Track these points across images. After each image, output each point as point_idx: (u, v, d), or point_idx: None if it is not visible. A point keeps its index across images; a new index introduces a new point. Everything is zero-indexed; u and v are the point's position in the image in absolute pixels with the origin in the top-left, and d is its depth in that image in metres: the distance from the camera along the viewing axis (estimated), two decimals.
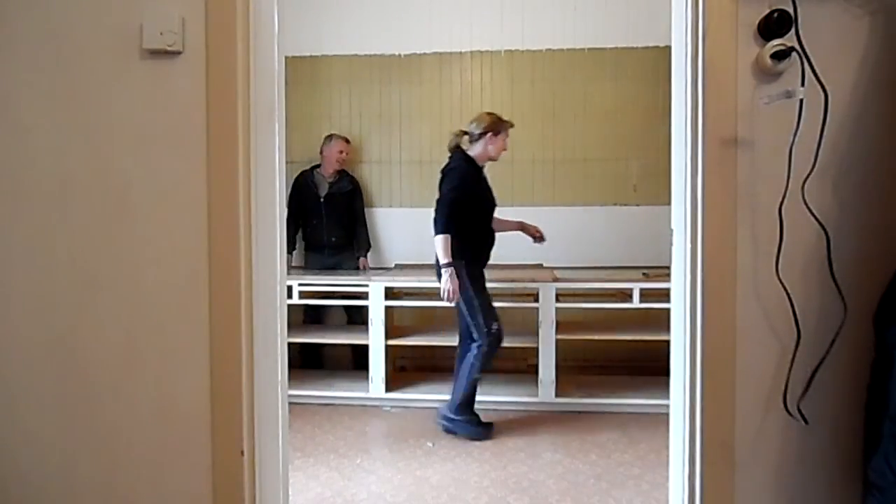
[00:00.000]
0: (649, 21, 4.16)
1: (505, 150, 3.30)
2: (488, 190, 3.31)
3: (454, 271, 3.09)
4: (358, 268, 4.20)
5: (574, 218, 4.27)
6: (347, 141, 4.24)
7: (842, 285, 1.51)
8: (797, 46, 1.47)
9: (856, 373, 1.53)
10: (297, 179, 4.18)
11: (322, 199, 4.14)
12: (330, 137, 4.19)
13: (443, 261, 3.08)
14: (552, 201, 4.33)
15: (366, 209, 4.43)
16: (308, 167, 4.23)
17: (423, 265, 4.28)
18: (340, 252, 4.21)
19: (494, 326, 3.16)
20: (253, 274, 1.63)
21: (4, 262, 1.64)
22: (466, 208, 3.15)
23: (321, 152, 4.20)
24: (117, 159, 1.61)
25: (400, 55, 4.41)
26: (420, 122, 4.42)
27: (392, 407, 3.65)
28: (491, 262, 4.40)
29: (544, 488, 2.61)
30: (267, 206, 1.66)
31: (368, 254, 4.29)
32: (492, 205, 3.31)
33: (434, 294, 3.94)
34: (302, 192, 4.16)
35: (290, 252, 4.16)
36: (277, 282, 1.68)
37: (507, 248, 4.33)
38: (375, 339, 3.61)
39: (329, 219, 4.16)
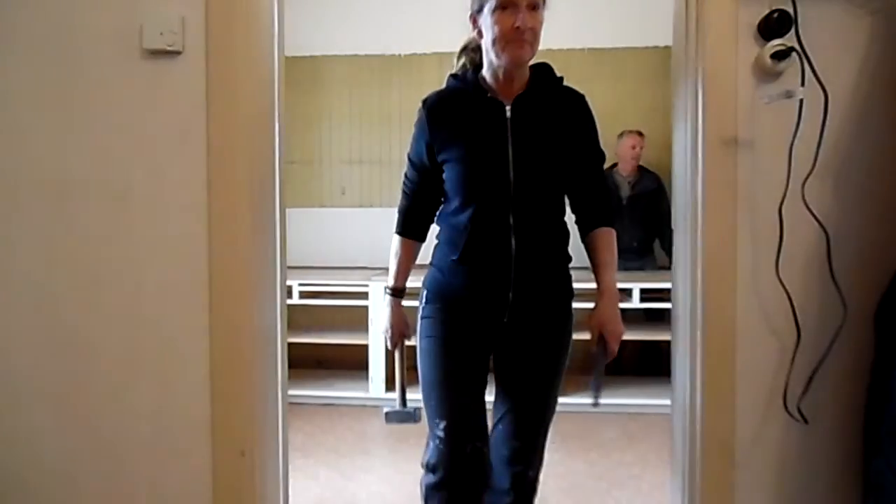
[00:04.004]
0: (649, 21, 4.16)
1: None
2: None
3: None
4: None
5: (573, 217, 4.26)
6: (640, 134, 3.91)
7: (842, 285, 1.51)
8: (797, 46, 1.47)
9: (856, 373, 1.53)
10: None
11: (624, 202, 3.83)
12: (622, 134, 3.92)
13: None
14: None
15: (365, 209, 4.42)
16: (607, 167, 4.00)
17: (423, 265, 4.28)
18: (643, 257, 3.93)
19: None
20: (253, 274, 1.63)
21: (5, 262, 1.64)
22: None
23: (616, 153, 3.90)
24: (117, 159, 1.61)
25: (400, 55, 4.40)
26: None
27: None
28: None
29: (544, 488, 2.59)
30: (267, 206, 1.66)
31: None
32: None
33: None
34: None
35: None
36: (277, 282, 1.68)
37: None
38: (375, 339, 3.61)
39: (632, 221, 3.79)
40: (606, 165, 3.88)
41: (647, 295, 3.48)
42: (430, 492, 1.56)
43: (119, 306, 1.63)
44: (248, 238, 1.61)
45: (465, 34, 1.76)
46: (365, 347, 3.65)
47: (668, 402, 1.76)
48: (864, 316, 1.51)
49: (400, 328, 1.76)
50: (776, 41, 1.50)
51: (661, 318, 3.55)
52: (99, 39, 1.59)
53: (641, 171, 3.97)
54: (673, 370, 1.73)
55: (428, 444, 1.60)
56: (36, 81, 1.62)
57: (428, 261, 1.75)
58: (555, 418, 1.71)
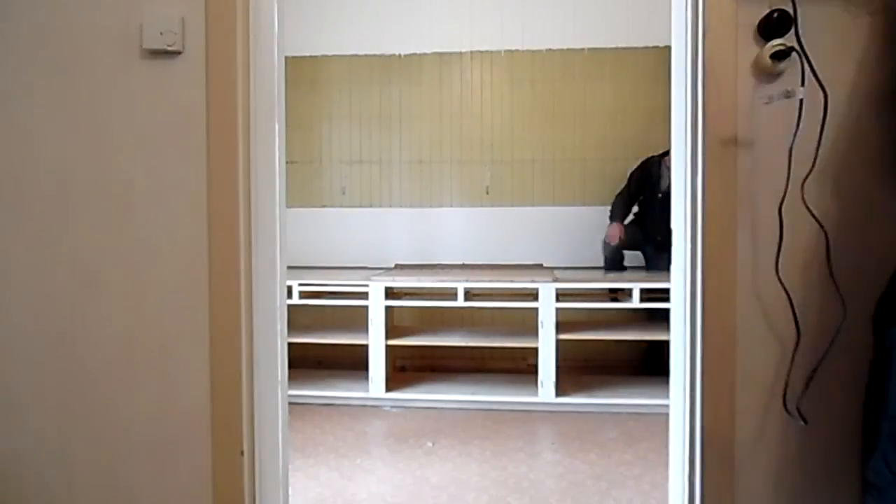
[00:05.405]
0: (649, 21, 4.17)
1: None
2: None
3: None
4: None
5: (574, 218, 4.27)
6: None
7: (841, 285, 1.52)
8: (797, 46, 1.47)
9: (855, 373, 1.53)
10: (643, 164, 3.89)
11: (660, 196, 3.73)
12: None
13: None
14: (552, 201, 4.33)
15: (365, 209, 4.42)
16: (659, 153, 3.85)
17: (423, 265, 4.29)
18: (664, 251, 3.85)
19: None
20: (253, 274, 1.63)
21: (5, 262, 1.65)
22: None
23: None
24: (117, 159, 1.61)
25: (400, 55, 4.41)
26: (420, 122, 4.42)
27: (392, 407, 3.65)
28: (491, 262, 4.43)
29: (544, 488, 2.61)
30: (267, 206, 1.66)
31: None
32: None
33: (434, 294, 3.96)
34: (642, 182, 3.87)
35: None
36: (277, 282, 1.68)
37: (506, 248, 4.35)
38: (375, 339, 3.61)
39: (662, 215, 3.60)
40: (651, 153, 3.93)
41: (647, 295, 3.49)
42: None
43: (119, 306, 1.63)
44: (248, 238, 1.61)
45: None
46: (365, 347, 3.64)
47: (668, 402, 1.76)
48: (864, 316, 1.51)
49: None
50: (776, 41, 1.50)
51: (661, 318, 3.55)
52: (99, 39, 1.60)
53: None
54: (672, 370, 1.73)
55: None
56: (36, 81, 1.62)
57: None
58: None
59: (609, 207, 3.99)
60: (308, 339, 3.77)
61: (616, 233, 3.87)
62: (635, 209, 4.01)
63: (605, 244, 3.94)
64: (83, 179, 1.62)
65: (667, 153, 3.79)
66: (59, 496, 1.67)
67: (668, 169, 3.49)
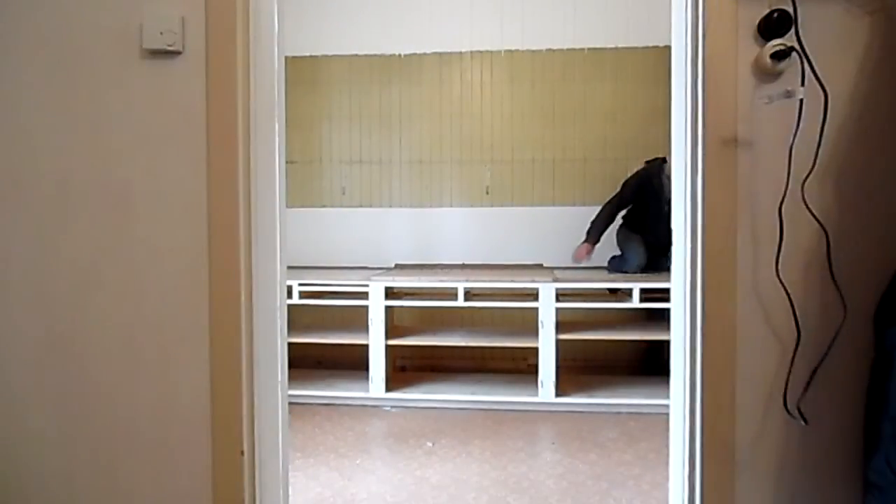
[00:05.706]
0: (649, 21, 4.17)
1: None
2: None
3: None
4: None
5: (574, 218, 4.27)
6: None
7: (842, 285, 1.52)
8: (797, 46, 1.47)
9: (856, 373, 1.53)
10: (640, 174, 3.79)
11: (666, 206, 3.70)
12: None
13: None
14: (552, 201, 4.34)
15: (365, 209, 4.42)
16: (659, 160, 3.76)
17: (423, 265, 4.29)
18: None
19: None
20: (253, 274, 1.63)
21: (5, 262, 1.64)
22: None
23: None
24: (117, 159, 1.61)
25: (400, 55, 4.41)
26: (420, 122, 4.42)
27: (392, 407, 3.65)
28: (491, 262, 4.43)
29: (544, 488, 2.61)
30: (267, 206, 1.66)
31: None
32: None
33: (434, 294, 3.96)
34: (639, 192, 3.77)
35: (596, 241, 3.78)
36: (277, 282, 1.68)
37: (506, 248, 4.35)
38: (375, 339, 3.61)
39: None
40: (651, 154, 3.89)
41: (647, 295, 3.49)
42: None
43: (119, 306, 1.63)
44: (248, 238, 1.61)
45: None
46: (365, 347, 3.65)
47: (668, 402, 1.76)
48: (864, 316, 1.51)
49: None
50: (776, 41, 1.50)
51: (661, 318, 3.55)
52: (99, 39, 1.60)
53: None
54: (672, 370, 1.73)
55: None
56: (36, 81, 1.62)
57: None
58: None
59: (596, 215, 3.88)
60: (308, 339, 3.77)
61: (583, 254, 3.79)
62: (623, 212, 3.94)
63: (612, 264, 3.90)
64: (83, 179, 1.62)
65: (664, 160, 3.75)
66: (59, 496, 1.66)
67: (669, 178, 3.55)
